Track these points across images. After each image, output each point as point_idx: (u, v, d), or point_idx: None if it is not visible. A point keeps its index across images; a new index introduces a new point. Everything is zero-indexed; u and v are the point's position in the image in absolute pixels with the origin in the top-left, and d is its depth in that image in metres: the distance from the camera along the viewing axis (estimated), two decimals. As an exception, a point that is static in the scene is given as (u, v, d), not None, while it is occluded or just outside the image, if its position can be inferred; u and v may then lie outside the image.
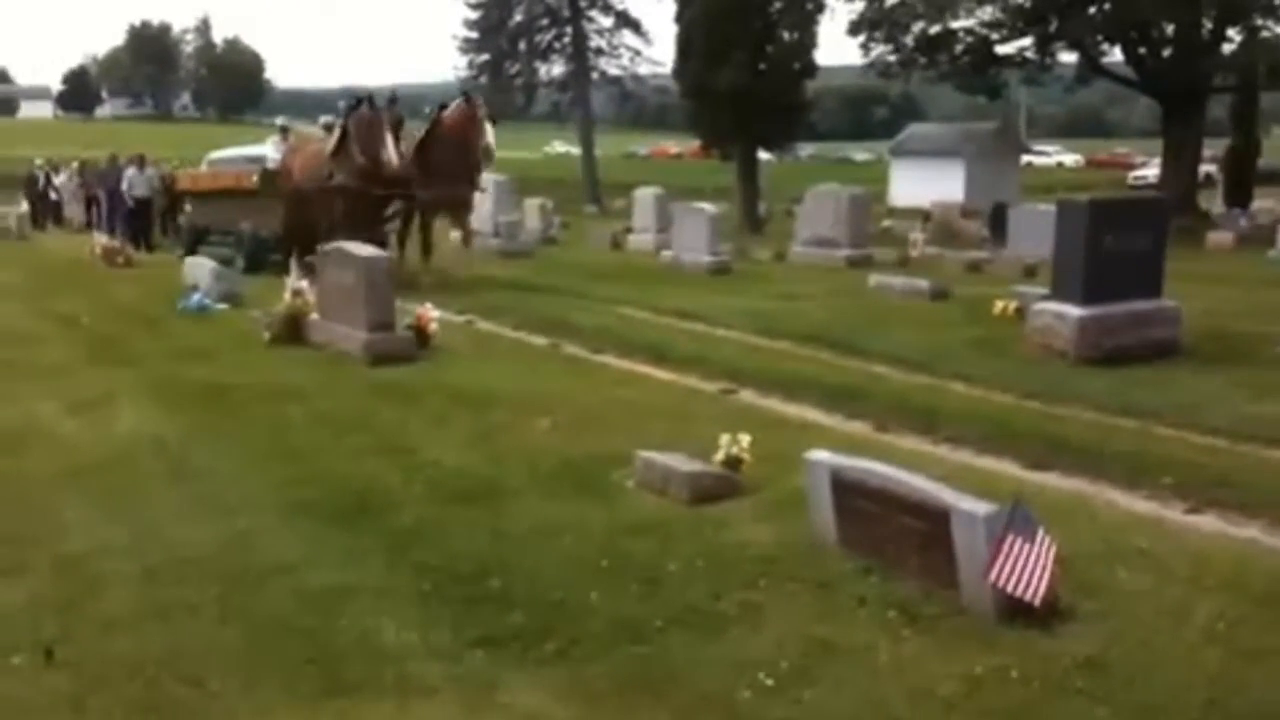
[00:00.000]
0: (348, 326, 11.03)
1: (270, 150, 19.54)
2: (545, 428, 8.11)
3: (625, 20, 55.99)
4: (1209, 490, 6.71)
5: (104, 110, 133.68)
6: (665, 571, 5.42)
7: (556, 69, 56.89)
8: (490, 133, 16.35)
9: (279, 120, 20.73)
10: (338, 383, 9.88)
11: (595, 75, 56.26)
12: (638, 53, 56.34)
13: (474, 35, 56.90)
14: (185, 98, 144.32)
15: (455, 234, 18.58)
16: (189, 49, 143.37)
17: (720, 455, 6.74)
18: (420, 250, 17.06)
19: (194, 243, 21.32)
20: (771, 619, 4.88)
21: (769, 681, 4.32)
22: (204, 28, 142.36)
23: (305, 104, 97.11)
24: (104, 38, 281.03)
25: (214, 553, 5.87)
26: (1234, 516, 6.36)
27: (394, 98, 16.86)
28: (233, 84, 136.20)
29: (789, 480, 6.37)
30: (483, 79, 55.16)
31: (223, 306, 14.43)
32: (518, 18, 56.44)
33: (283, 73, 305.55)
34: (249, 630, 4.96)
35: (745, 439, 6.75)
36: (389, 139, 15.55)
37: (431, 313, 11.37)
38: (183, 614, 5.12)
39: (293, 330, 11.71)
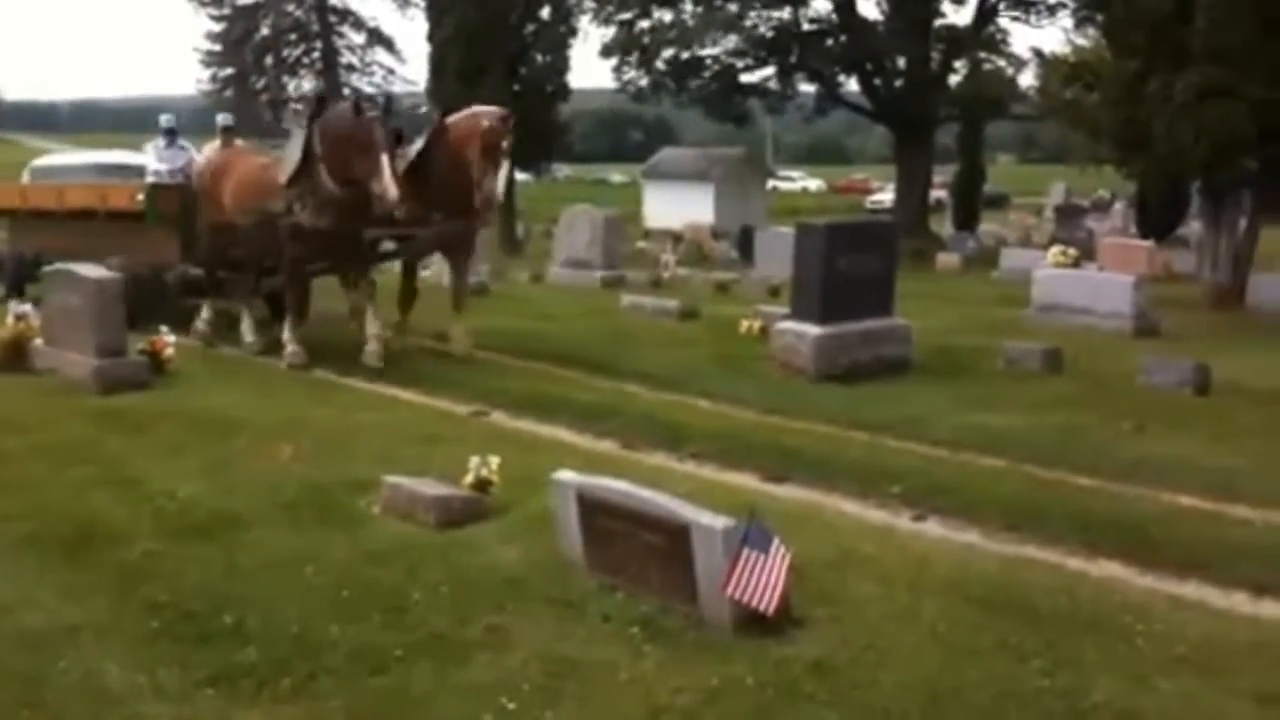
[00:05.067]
0: (76, 352, 10.40)
1: (152, 159, 14.59)
2: (287, 455, 7.85)
3: (378, 37, 55.25)
4: (933, 498, 7.12)
5: None
6: (409, 599, 5.33)
7: (306, 84, 55.48)
8: (501, 176, 11.74)
9: (163, 119, 14.78)
10: (63, 412, 9.29)
11: (346, 92, 55.16)
12: (391, 71, 55.62)
13: (217, 48, 54.88)
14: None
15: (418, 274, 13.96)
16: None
17: (469, 478, 6.70)
18: (398, 304, 12.77)
19: (19, 279, 15.47)
20: (516, 641, 4.87)
21: (511, 705, 4.31)
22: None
23: (28, 117, 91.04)
24: None
25: (-84, 599, 5.42)
26: (955, 522, 6.76)
27: (389, 102, 12.26)
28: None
29: (538, 501, 6.37)
30: (228, 93, 53.25)
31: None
32: (264, 31, 54.78)
33: (8, 85, 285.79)
34: (-45, 680, 4.59)
35: (494, 461, 6.74)
36: (386, 163, 10.58)
37: (167, 337, 10.85)
38: (-123, 667, 4.71)
39: (15, 357, 10.95)
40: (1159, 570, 5.97)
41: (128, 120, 77.11)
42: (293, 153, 11.49)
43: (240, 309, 12.71)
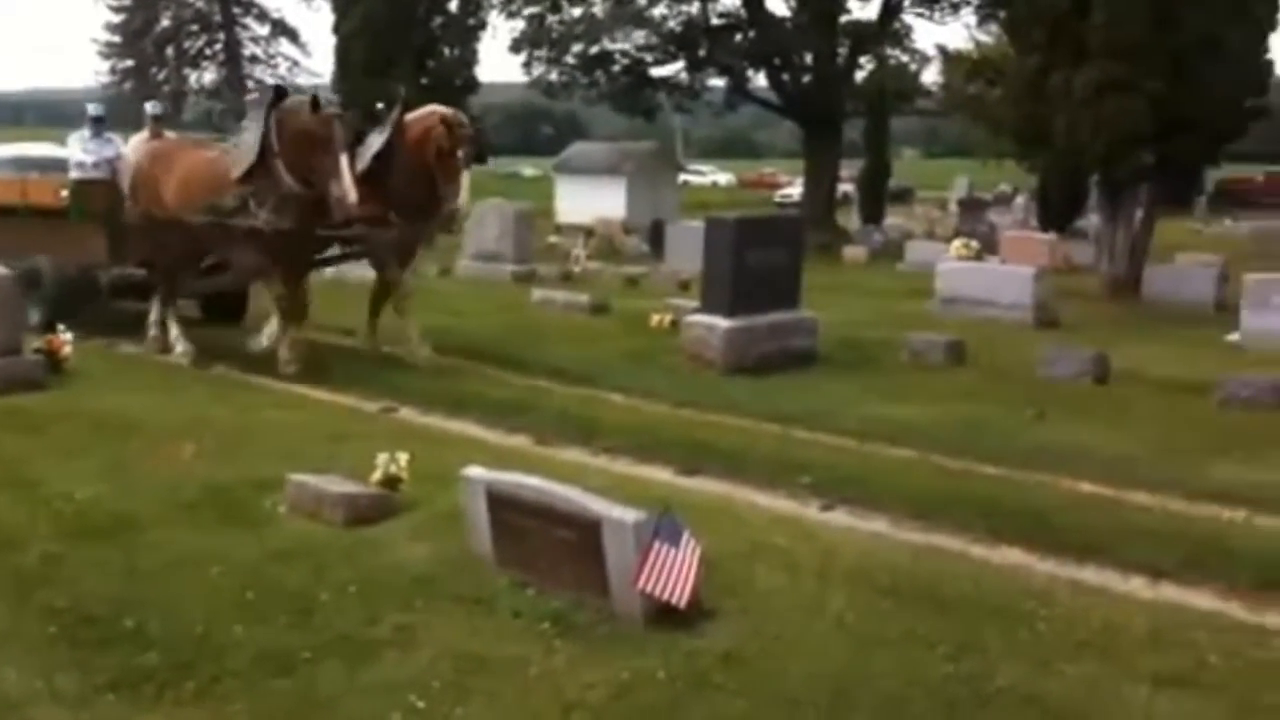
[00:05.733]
0: (-34, 352, 10.04)
1: (77, 152, 13.26)
2: (189, 454, 7.68)
3: (282, 29, 54.42)
4: (841, 488, 7.21)
5: None
6: (316, 599, 5.25)
7: (208, 76, 54.48)
8: (465, 187, 11.09)
9: (91, 108, 13.75)
10: (-47, 414, 9.00)
11: (250, 84, 54.25)
12: (296, 62, 54.84)
13: (117, 40, 53.59)
14: None
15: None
16: None
17: (377, 475, 6.61)
18: (370, 307, 12.11)
19: None
20: (426, 640, 4.82)
21: (420, 703, 4.27)
22: None
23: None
24: None
25: None
26: (862, 512, 6.86)
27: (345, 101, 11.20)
28: None
29: (448, 498, 6.31)
30: (127, 85, 52.04)
31: None
32: (164, 23, 53.65)
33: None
34: None
35: (403, 458, 6.66)
36: (346, 165, 10.05)
37: (64, 335, 10.55)
38: None
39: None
40: (1060, 556, 6.12)
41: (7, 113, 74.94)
42: (248, 146, 10.64)
43: (169, 313, 11.95)
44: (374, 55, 32.59)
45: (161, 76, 53.77)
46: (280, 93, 11.25)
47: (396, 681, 4.45)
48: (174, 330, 11.83)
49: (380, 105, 12.60)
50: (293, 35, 54.36)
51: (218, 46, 53.69)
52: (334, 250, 12.04)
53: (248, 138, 10.76)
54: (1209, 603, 5.55)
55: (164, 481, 7.10)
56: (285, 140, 10.36)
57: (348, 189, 9.90)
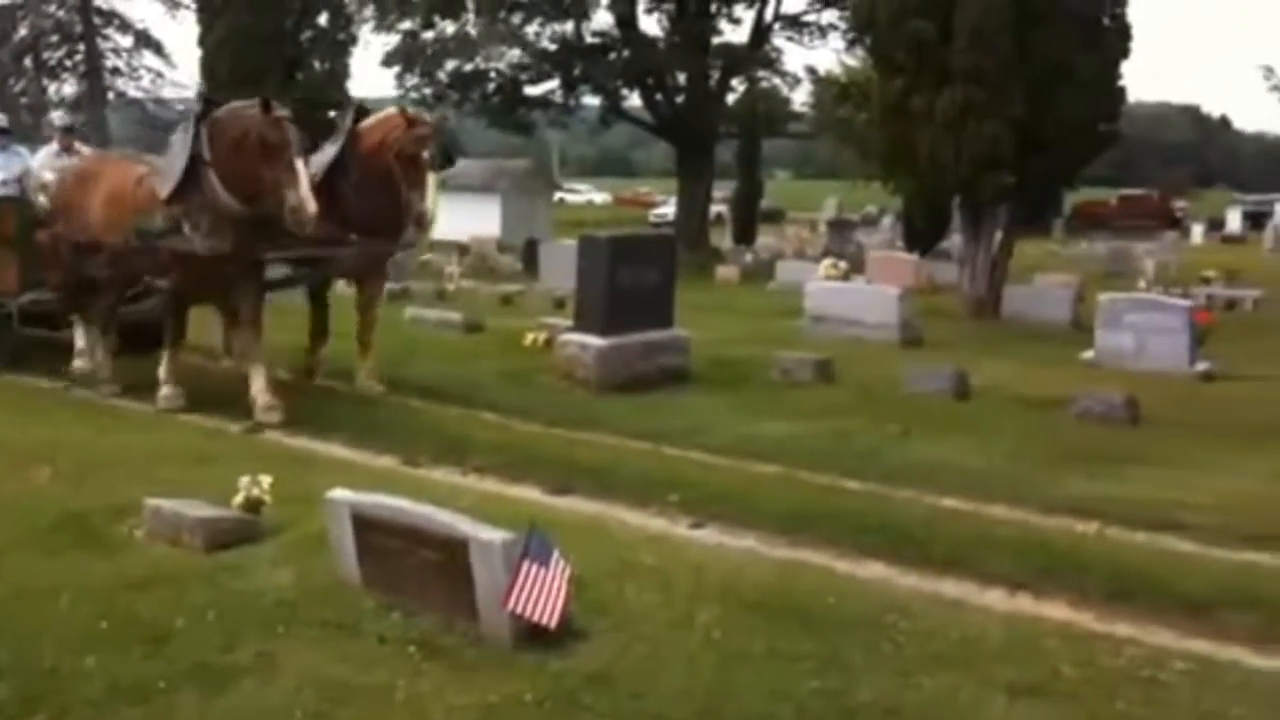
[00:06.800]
0: None
1: None
2: (44, 478, 7.41)
3: (146, 40, 52.81)
4: (711, 505, 7.28)
5: None
6: (173, 626, 5.09)
7: (68, 88, 52.67)
8: (432, 190, 10.26)
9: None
10: None
11: (112, 96, 52.61)
12: (160, 74, 53.25)
13: (-30, 49, 51.50)
14: None
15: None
16: None
17: (239, 498, 6.46)
18: (310, 334, 11.43)
19: None
20: (288, 667, 4.71)
21: (282, 732, 4.18)
22: None
23: None
24: None
25: None
26: (732, 528, 6.93)
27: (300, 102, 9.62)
28: None
29: (313, 521, 6.19)
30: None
31: None
32: (22, 32, 51.71)
33: None
34: None
35: (266, 480, 6.51)
36: (303, 171, 9.09)
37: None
38: None
39: None
40: (923, 569, 6.26)
41: None
42: (175, 162, 9.62)
43: (96, 340, 11.02)
44: (241, 68, 31.88)
45: (19, 88, 51.77)
46: (210, 103, 10.26)
47: (255, 710, 4.34)
48: (101, 357, 10.92)
49: (332, 113, 11.70)
50: (157, 47, 52.71)
51: (78, 57, 51.88)
52: (283, 272, 11.09)
53: (175, 152, 9.76)
54: (1063, 613, 5.73)
55: (16, 505, 6.83)
56: (221, 152, 9.35)
57: (305, 198, 8.86)
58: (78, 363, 11.40)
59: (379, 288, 11.49)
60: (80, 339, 11.42)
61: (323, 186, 9.74)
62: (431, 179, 10.20)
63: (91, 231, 10.49)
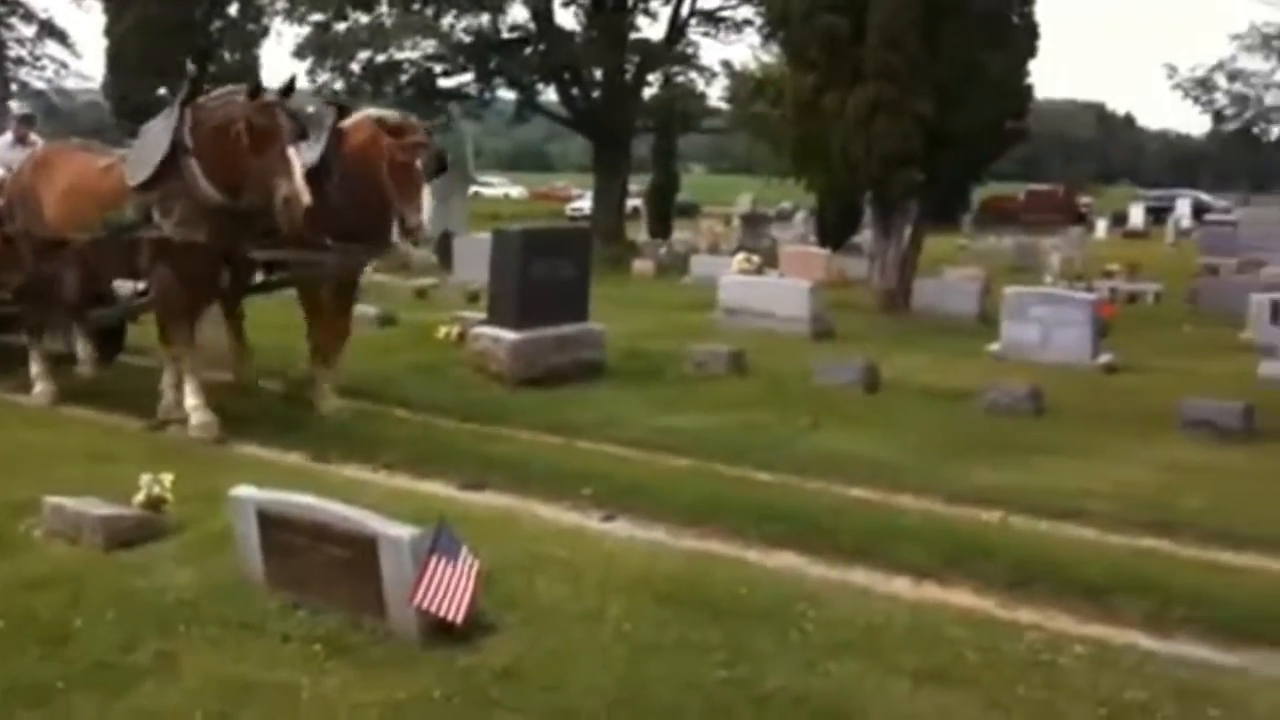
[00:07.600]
0: None
1: None
2: (-65, 478, 7.20)
3: (50, 30, 51.40)
4: (623, 498, 7.29)
5: None
6: (72, 627, 4.99)
7: (-32, 79, 51.08)
8: (427, 201, 9.81)
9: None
10: None
11: (15, 87, 51.13)
12: (64, 65, 51.89)
13: None
14: None
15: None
16: None
17: (140, 496, 6.35)
18: (318, 343, 10.18)
19: None
20: (189, 666, 4.64)
21: (182, 733, 4.10)
22: None
23: None
24: None
25: None
26: (643, 521, 6.95)
27: (290, 87, 8.63)
28: None
29: (218, 519, 6.09)
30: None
31: None
32: (-78, 21, 50.12)
33: None
34: None
35: (167, 478, 6.42)
36: (295, 159, 8.33)
37: None
38: None
39: None
40: (830, 559, 6.33)
41: None
42: (154, 147, 8.85)
43: (37, 349, 10.30)
44: (149, 58, 31.32)
45: (-83, 78, 50.17)
46: (195, 84, 9.46)
47: (156, 711, 4.27)
48: (35, 367, 10.25)
49: (311, 110, 10.90)
50: (61, 37, 51.33)
51: (-21, 46, 50.39)
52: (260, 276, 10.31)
53: (154, 136, 8.97)
54: (967, 600, 5.83)
55: (-97, 508, 6.63)
56: (204, 138, 8.60)
57: (300, 189, 8.11)
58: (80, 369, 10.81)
59: (353, 296, 10.70)
60: (81, 349, 10.80)
61: (310, 184, 8.70)
62: (426, 190, 9.64)
63: (50, 228, 9.68)
